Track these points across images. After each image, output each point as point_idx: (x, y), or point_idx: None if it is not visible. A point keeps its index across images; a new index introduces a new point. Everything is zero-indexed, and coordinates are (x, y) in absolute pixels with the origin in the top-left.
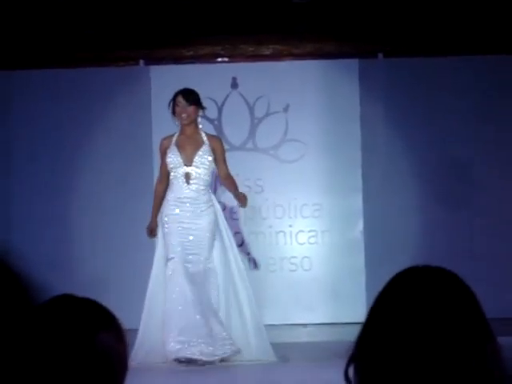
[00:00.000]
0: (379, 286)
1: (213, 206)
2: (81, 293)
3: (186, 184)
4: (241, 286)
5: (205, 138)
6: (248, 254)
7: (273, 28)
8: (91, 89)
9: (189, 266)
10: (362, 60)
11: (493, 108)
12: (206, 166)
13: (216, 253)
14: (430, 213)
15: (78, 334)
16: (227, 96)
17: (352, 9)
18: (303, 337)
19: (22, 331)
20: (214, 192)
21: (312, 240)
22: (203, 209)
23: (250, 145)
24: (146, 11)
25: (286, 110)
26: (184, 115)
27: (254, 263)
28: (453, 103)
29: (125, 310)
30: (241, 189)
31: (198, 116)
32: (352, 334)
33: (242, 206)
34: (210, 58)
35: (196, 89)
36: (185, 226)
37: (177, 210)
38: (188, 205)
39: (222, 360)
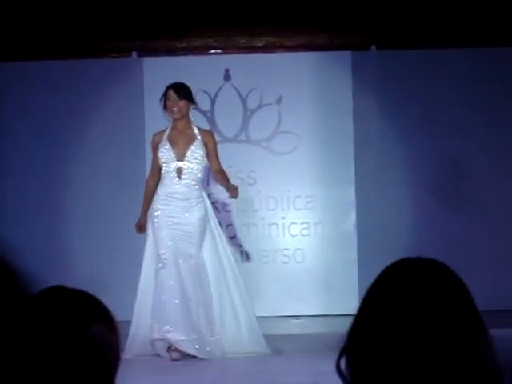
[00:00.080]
0: (372, 278)
1: (203, 202)
2: (73, 285)
3: (177, 179)
4: (232, 280)
5: (197, 133)
6: (240, 246)
7: (265, 20)
8: (84, 80)
9: (180, 261)
10: (355, 52)
11: (487, 100)
12: (199, 161)
13: (206, 248)
14: (423, 205)
15: (70, 326)
16: (220, 88)
17: (344, 1)
18: (296, 329)
19: (14, 323)
20: (207, 185)
21: (305, 232)
22: (193, 204)
23: (242, 137)
24: (139, 3)
25: (278, 102)
26: (175, 109)
27: (246, 256)
28: (446, 95)
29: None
30: (233, 181)
31: (189, 110)
32: (344, 325)
33: (232, 197)
34: (203, 50)
35: (189, 81)
36: (175, 220)
37: (167, 206)
38: (178, 200)
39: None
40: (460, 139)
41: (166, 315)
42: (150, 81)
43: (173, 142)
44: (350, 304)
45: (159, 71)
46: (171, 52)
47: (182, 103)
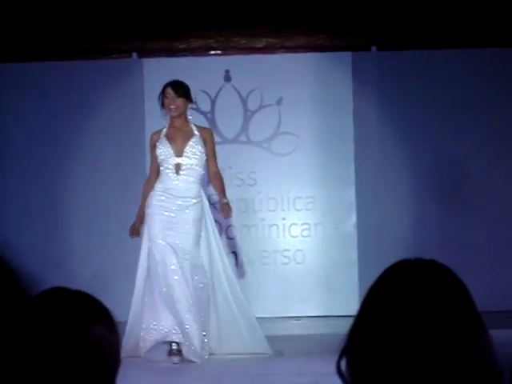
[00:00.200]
0: (372, 279)
1: (201, 202)
2: (74, 284)
3: (175, 175)
4: (226, 282)
5: (195, 130)
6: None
7: (265, 21)
8: (84, 82)
9: (174, 261)
10: (355, 53)
11: (487, 101)
12: (198, 157)
13: (202, 249)
14: (423, 206)
15: (71, 327)
16: (220, 89)
17: (345, 2)
18: (296, 330)
19: (15, 324)
20: (207, 185)
21: (305, 233)
22: (191, 203)
23: (243, 138)
24: (139, 3)
25: (279, 102)
26: (173, 107)
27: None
28: (446, 96)
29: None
30: (234, 182)
31: (187, 109)
32: (345, 326)
33: (224, 217)
34: (203, 51)
35: (189, 82)
36: (171, 219)
37: (163, 202)
38: (175, 197)
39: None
40: (460, 140)
41: (157, 314)
42: (150, 82)
43: (171, 139)
44: (351, 305)
45: (159, 72)
46: (171, 53)
47: (180, 101)
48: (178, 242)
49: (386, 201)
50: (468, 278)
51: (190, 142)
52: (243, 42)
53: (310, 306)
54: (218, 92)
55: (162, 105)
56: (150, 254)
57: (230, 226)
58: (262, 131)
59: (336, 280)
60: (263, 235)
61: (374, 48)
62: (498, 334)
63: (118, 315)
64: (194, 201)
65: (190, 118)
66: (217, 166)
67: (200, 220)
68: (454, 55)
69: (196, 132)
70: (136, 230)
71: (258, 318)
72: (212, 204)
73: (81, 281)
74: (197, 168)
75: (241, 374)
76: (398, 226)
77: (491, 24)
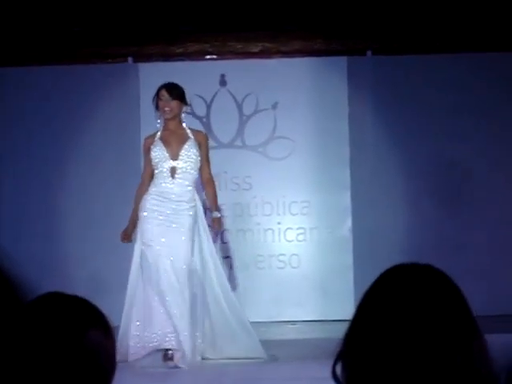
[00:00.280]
0: (367, 284)
1: (194, 207)
2: (71, 286)
3: (170, 178)
4: (220, 288)
5: (189, 133)
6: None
7: (261, 25)
8: (80, 86)
9: (167, 266)
10: (351, 57)
11: (482, 105)
12: (193, 160)
13: (195, 253)
14: (419, 210)
15: (67, 332)
16: (216, 93)
17: (340, 6)
18: (291, 334)
19: (11, 329)
20: (203, 190)
21: (300, 237)
22: (185, 208)
23: (238, 142)
24: (135, 8)
25: (274, 107)
26: (167, 109)
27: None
28: (443, 101)
29: (115, 306)
30: (229, 186)
31: (181, 112)
32: (340, 331)
33: (214, 229)
34: (199, 55)
35: (184, 86)
36: (166, 223)
37: (157, 206)
38: (170, 201)
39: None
40: (458, 144)
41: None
42: (146, 86)
43: (165, 142)
44: (346, 309)
45: (155, 76)
46: (167, 57)
47: (174, 103)
48: (172, 245)
49: (381, 205)
50: (464, 282)
51: (186, 146)
52: (239, 46)
53: (306, 310)
54: (214, 96)
55: (157, 107)
56: (143, 257)
57: (224, 230)
58: (257, 136)
59: (331, 284)
60: (258, 239)
61: (369, 52)
62: (493, 339)
63: (114, 320)
64: (189, 205)
65: (183, 120)
66: (210, 173)
67: (193, 225)
68: (451, 60)
69: (191, 135)
70: (128, 236)
71: (253, 323)
72: (206, 209)
73: (78, 282)
74: (192, 172)
75: (236, 379)
76: (393, 230)
77: (488, 28)
